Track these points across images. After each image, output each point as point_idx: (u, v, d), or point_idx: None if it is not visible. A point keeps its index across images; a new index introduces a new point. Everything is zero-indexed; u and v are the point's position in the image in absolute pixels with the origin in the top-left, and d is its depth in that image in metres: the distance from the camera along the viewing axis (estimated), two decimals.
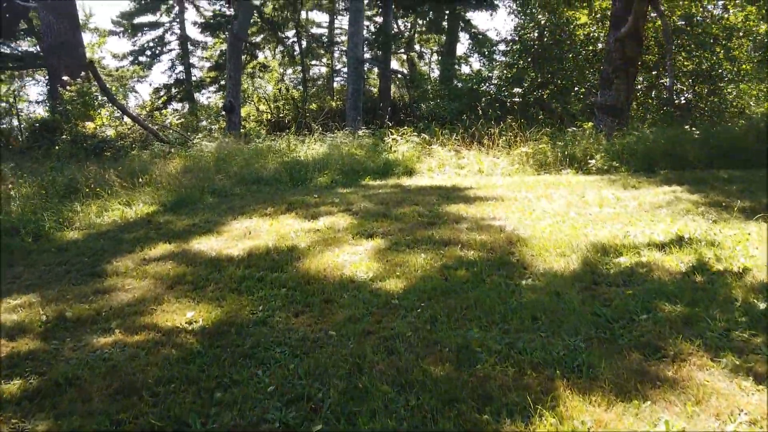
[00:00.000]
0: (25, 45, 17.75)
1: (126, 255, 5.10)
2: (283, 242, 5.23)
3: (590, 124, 11.21)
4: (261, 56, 24.75)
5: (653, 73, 13.39)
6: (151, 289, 4.19)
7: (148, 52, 27.61)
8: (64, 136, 13.13)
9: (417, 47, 31.74)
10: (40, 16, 15.38)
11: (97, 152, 12.33)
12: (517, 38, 14.04)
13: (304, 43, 25.19)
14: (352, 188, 8.12)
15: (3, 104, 17.21)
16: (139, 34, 27.28)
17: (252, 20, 22.39)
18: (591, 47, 13.21)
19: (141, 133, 13.20)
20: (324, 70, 30.35)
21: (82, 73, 13.63)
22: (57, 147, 12.90)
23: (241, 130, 18.76)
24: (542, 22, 13.11)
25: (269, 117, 25.18)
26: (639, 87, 13.29)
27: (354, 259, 4.62)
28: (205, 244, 5.33)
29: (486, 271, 4.16)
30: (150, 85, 26.90)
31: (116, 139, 12.86)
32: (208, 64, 26.63)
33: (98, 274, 4.65)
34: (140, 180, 8.04)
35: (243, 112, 25.90)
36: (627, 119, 11.02)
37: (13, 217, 6.29)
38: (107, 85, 13.26)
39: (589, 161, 8.74)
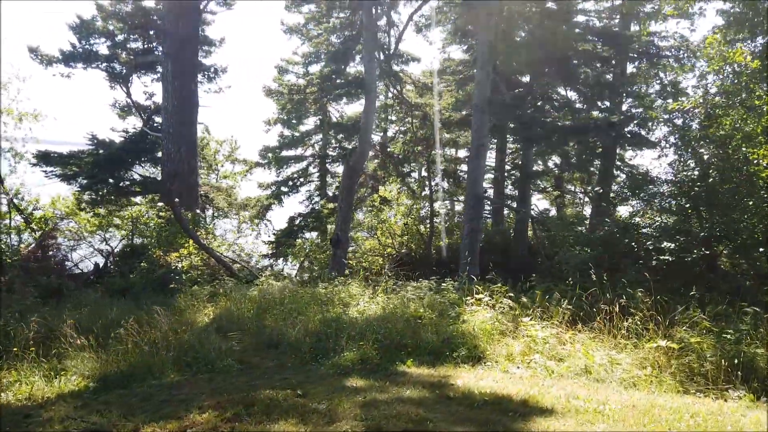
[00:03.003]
0: (149, 172, 18.54)
1: None
2: None
3: None
4: (386, 191, 23.81)
5: None
6: None
7: (291, 183, 28.47)
8: (142, 264, 12.44)
9: (571, 187, 29.08)
10: (163, 145, 15.80)
11: (162, 285, 11.25)
12: (673, 177, 10.74)
13: (437, 179, 23.90)
14: (371, 381, 5.42)
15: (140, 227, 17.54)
16: (284, 167, 28.41)
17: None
18: None
19: (215, 266, 12.00)
20: (462, 207, 28.67)
21: (176, 200, 13.18)
22: (132, 275, 12.19)
23: (346, 266, 17.23)
24: (705, 157, 9.78)
25: (392, 251, 23.63)
26: None
27: None
28: None
29: None
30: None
31: (187, 271, 11.74)
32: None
33: None
34: (114, 334, 6.21)
35: (367, 245, 24.79)
36: None
37: None
38: (182, 213, 12.56)
39: None
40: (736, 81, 10.28)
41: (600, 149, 18.59)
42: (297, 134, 27.60)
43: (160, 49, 18.29)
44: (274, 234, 27.23)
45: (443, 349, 6.48)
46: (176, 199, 13.11)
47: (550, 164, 27.15)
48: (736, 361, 5.24)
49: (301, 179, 28.73)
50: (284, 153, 27.94)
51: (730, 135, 10.13)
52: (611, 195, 17.72)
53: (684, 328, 6.19)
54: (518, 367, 5.99)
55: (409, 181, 22.05)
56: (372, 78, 17.47)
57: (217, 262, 11.80)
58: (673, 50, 15.01)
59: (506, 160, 23.98)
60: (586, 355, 5.96)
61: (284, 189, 28.14)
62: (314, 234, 27.09)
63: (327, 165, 28.17)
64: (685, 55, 14.92)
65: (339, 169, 28.24)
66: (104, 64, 18.03)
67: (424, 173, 23.83)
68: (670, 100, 11.67)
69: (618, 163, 22.00)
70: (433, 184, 24.05)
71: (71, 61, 17.32)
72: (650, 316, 6.20)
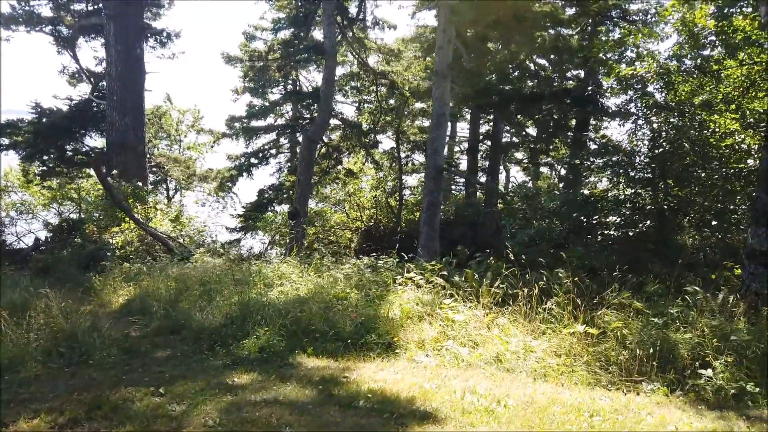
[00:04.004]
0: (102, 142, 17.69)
1: None
2: None
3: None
4: (351, 163, 23.09)
5: None
6: None
7: (260, 155, 27.53)
8: (77, 239, 11.82)
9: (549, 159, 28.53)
10: (107, 113, 14.99)
11: (92, 262, 10.63)
12: (628, 147, 10.19)
13: (404, 150, 23.21)
14: (258, 374, 4.91)
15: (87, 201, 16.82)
16: (254, 138, 27.38)
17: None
18: (740, 164, 8.93)
19: (152, 243, 11.38)
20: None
21: (103, 169, 12.44)
22: (65, 251, 11.56)
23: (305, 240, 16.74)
24: (655, 126, 9.22)
25: (360, 225, 23.08)
26: None
27: None
28: None
29: None
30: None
31: (122, 247, 11.12)
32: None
33: None
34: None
35: (336, 218, 24.17)
36: None
37: None
38: (110, 183, 11.86)
39: (700, 371, 4.60)
40: (693, 45, 9.68)
41: (573, 119, 17.98)
42: (266, 104, 26.64)
43: None
44: (243, 207, 26.55)
45: (353, 334, 5.97)
46: (114, 171, 12.40)
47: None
48: (651, 350, 4.76)
49: (272, 150, 27.85)
50: (253, 123, 26.96)
51: (689, 103, 9.57)
52: (582, 166, 17.20)
53: (611, 310, 5.71)
54: (427, 355, 5.50)
55: (374, 152, 21.31)
56: (332, 43, 16.68)
57: (153, 237, 11.17)
58: (641, 14, 14.31)
59: (480, 131, 23.30)
60: (501, 341, 5.48)
61: (254, 161, 27.26)
62: (285, 207, 26.42)
63: (297, 136, 27.29)
64: (654, 20, 14.26)
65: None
66: (49, 27, 17.04)
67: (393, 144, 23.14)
68: (623, 66, 11.03)
69: (594, 134, 21.47)
70: (402, 155, 23.36)
71: (12, 24, 16.32)
72: (570, 299, 5.69)
